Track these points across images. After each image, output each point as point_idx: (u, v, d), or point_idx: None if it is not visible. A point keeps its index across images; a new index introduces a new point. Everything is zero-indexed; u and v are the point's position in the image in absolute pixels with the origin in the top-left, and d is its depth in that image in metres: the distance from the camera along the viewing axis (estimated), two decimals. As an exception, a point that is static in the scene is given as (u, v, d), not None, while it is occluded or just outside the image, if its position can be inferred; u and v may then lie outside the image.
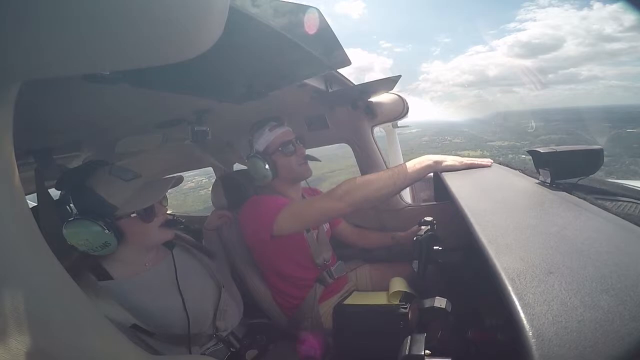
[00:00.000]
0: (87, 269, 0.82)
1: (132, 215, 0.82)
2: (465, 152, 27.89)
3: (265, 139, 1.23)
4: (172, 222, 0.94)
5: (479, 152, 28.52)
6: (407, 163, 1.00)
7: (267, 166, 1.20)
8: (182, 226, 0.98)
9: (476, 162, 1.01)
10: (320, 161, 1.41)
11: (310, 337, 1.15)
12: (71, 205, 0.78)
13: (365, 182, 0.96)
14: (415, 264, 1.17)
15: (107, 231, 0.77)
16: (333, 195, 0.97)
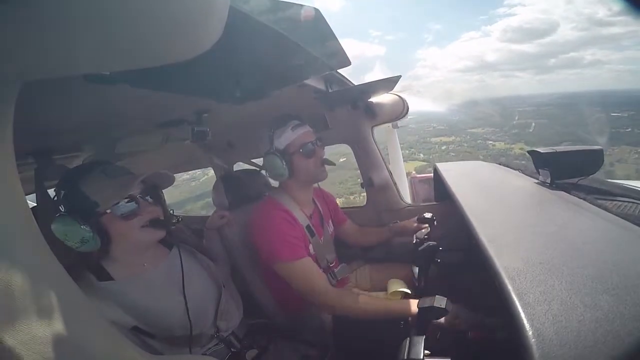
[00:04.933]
0: (87, 269, 0.82)
1: (108, 211, 0.80)
2: (438, 139, 28.13)
3: (287, 137, 1.20)
4: (158, 222, 0.88)
5: (452, 138, 28.61)
6: (400, 304, 1.05)
7: (284, 165, 1.18)
8: (173, 227, 0.94)
9: None
10: (335, 165, 1.35)
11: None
12: (61, 204, 0.78)
13: (361, 312, 1.04)
14: (415, 270, 1.17)
15: (83, 227, 0.76)
16: (335, 300, 1.06)
